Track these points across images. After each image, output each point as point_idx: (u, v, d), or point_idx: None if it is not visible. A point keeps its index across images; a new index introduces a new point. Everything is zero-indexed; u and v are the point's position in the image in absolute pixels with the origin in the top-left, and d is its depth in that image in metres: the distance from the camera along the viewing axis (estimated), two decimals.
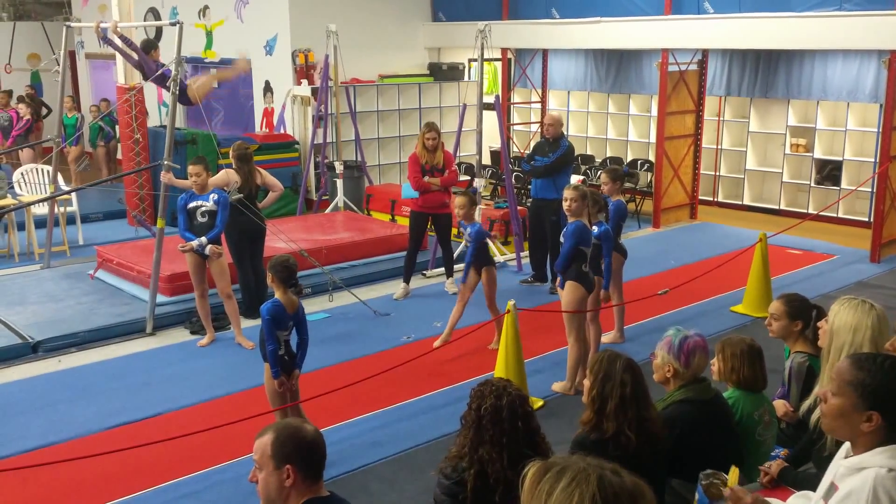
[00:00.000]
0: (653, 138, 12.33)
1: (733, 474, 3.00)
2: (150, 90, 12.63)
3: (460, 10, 13.09)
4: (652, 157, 12.17)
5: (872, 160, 10.83)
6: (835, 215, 11.21)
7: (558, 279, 6.00)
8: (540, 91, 13.54)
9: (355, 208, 11.06)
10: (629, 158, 12.95)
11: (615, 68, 13.17)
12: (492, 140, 12.71)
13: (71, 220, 10.46)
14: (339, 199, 10.95)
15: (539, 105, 13.61)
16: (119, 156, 12.83)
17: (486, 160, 13.17)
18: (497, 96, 10.09)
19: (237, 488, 4.74)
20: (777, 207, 12.01)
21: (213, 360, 6.78)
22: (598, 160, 13.14)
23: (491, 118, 10.33)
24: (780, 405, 4.14)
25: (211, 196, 6.84)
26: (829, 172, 11.63)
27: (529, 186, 9.43)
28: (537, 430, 3.22)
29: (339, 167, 10.97)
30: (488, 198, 11.42)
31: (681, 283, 7.78)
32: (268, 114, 12.77)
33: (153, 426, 5.56)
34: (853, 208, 11.48)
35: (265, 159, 10.36)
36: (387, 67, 13.07)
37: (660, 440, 3.38)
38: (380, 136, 12.87)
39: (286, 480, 2.52)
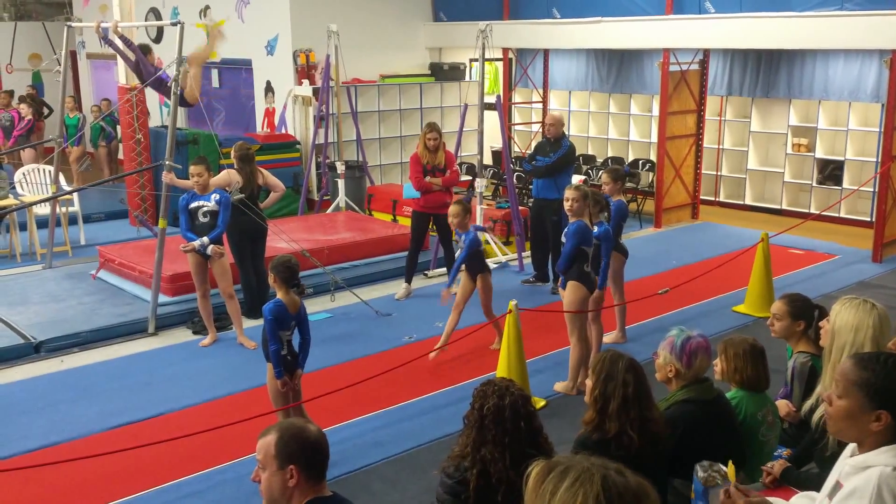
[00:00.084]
0: (654, 138, 12.32)
1: (730, 471, 2.99)
2: (152, 90, 12.62)
3: (461, 10, 13.09)
4: (653, 157, 12.17)
5: (874, 160, 10.82)
6: (836, 215, 11.21)
7: (560, 279, 5.99)
8: (541, 91, 13.54)
9: (357, 208, 11.06)
10: (630, 158, 12.95)
11: (616, 68, 13.16)
12: (493, 140, 12.71)
13: (73, 220, 10.46)
14: (341, 199, 10.96)
15: (540, 105, 13.61)
16: (120, 156, 12.83)
17: (488, 160, 13.19)
18: (498, 96, 10.10)
19: (239, 488, 4.74)
20: (779, 207, 12.00)
21: (215, 360, 6.78)
22: (600, 160, 13.14)
23: (492, 118, 10.33)
24: (783, 405, 4.14)
25: (212, 196, 6.84)
26: (831, 172, 11.62)
27: (531, 186, 9.43)
28: (540, 429, 3.23)
29: (340, 167, 10.97)
30: (490, 198, 11.42)
31: (682, 282, 7.78)
32: (269, 114, 12.77)
33: (155, 426, 5.56)
34: (855, 208, 11.48)
35: (266, 159, 10.36)
36: (388, 67, 13.08)
37: (662, 440, 3.38)
38: (381, 136, 12.87)
39: (290, 480, 2.52)
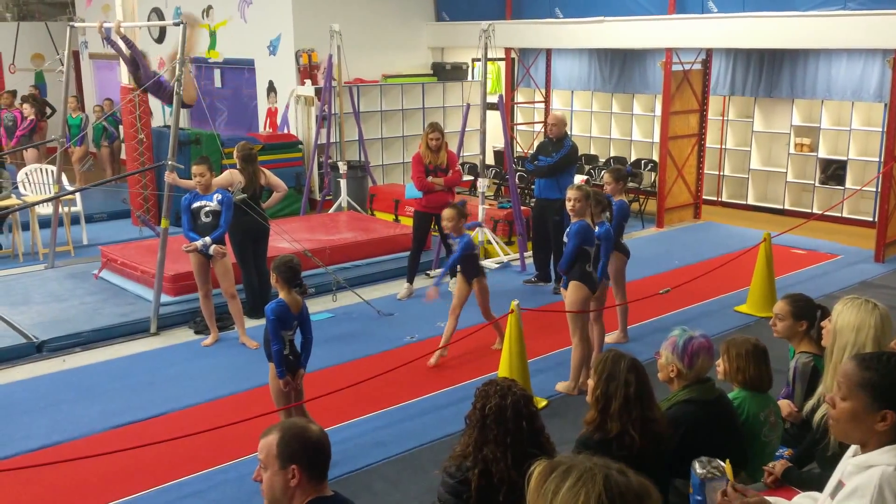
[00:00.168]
0: (656, 138, 12.32)
1: (728, 471, 2.99)
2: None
3: (464, 10, 13.09)
4: (656, 157, 12.15)
5: (877, 160, 10.81)
6: (839, 215, 11.19)
7: (561, 279, 5.98)
8: (543, 91, 13.54)
9: (359, 208, 11.06)
10: (633, 158, 12.94)
11: (619, 68, 13.16)
12: (495, 140, 12.71)
13: (75, 220, 10.47)
14: (343, 199, 10.96)
15: (542, 105, 13.61)
16: (123, 156, 12.86)
17: (490, 160, 13.18)
18: (500, 96, 10.09)
19: (241, 488, 4.74)
20: (781, 207, 11.99)
21: (217, 360, 6.79)
22: (602, 160, 13.14)
23: (494, 118, 10.33)
24: (785, 405, 4.13)
25: (215, 196, 6.85)
26: (834, 172, 11.61)
27: (533, 186, 9.43)
28: (542, 429, 3.22)
29: (342, 167, 10.97)
30: (492, 197, 11.42)
31: (684, 282, 7.77)
32: (271, 114, 12.78)
33: (157, 426, 5.57)
34: (857, 208, 11.46)
35: (269, 159, 10.38)
36: (390, 67, 13.08)
37: (664, 440, 3.37)
38: (383, 136, 12.88)
39: (291, 480, 2.52)
